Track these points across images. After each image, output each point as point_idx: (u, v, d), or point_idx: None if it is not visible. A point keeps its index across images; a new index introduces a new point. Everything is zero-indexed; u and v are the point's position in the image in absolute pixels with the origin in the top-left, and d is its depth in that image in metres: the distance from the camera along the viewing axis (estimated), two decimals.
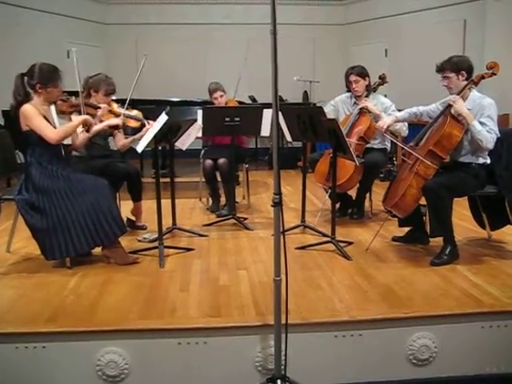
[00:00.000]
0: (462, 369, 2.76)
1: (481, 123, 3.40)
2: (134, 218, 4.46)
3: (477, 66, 3.61)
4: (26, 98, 3.38)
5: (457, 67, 3.51)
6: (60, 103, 3.56)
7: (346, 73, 4.73)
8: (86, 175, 3.54)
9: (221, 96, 5.22)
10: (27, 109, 3.31)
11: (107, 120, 3.91)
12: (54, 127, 3.43)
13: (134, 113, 4.18)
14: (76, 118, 3.51)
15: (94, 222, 3.36)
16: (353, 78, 4.65)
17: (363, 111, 4.58)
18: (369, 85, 4.69)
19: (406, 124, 4.46)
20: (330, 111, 4.66)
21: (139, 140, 3.68)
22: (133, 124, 4.14)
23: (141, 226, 4.44)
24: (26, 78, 3.39)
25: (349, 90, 4.80)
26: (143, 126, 4.12)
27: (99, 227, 3.38)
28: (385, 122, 4.03)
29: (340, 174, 4.12)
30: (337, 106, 4.86)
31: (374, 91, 4.68)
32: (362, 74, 4.65)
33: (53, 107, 3.52)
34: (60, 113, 3.53)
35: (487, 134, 3.37)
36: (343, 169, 4.26)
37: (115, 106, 4.15)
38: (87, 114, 3.59)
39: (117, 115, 4.04)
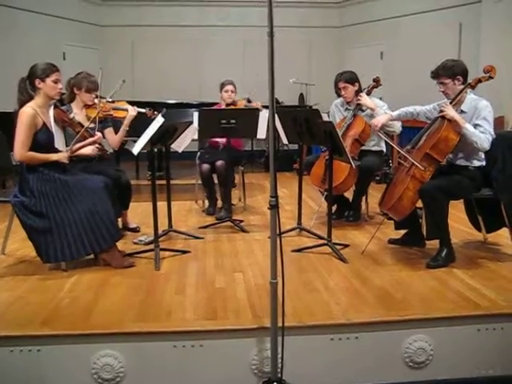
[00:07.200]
0: (458, 371, 2.76)
1: (476, 125, 3.41)
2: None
3: (472, 69, 3.62)
4: (29, 99, 3.35)
5: (452, 72, 3.50)
6: (58, 111, 3.59)
7: (335, 80, 4.72)
8: (82, 177, 3.54)
9: (232, 91, 5.20)
10: (25, 113, 3.29)
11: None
12: (51, 131, 3.43)
13: (121, 105, 4.28)
14: (50, 156, 3.43)
15: (91, 226, 3.36)
16: (341, 84, 4.64)
17: (357, 114, 4.58)
18: (359, 89, 4.65)
19: (400, 122, 4.40)
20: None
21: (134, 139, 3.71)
22: (122, 114, 4.19)
23: (134, 228, 4.41)
24: (27, 81, 3.38)
25: (339, 96, 4.80)
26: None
27: (97, 232, 3.38)
28: (379, 120, 3.98)
29: (335, 176, 4.10)
30: (332, 113, 4.87)
31: (368, 94, 4.57)
32: (351, 80, 4.63)
33: (51, 112, 3.50)
34: (55, 120, 3.53)
35: (481, 134, 3.37)
36: (338, 171, 4.25)
37: (104, 102, 4.18)
38: (76, 131, 3.70)
39: (107, 109, 4.15)
